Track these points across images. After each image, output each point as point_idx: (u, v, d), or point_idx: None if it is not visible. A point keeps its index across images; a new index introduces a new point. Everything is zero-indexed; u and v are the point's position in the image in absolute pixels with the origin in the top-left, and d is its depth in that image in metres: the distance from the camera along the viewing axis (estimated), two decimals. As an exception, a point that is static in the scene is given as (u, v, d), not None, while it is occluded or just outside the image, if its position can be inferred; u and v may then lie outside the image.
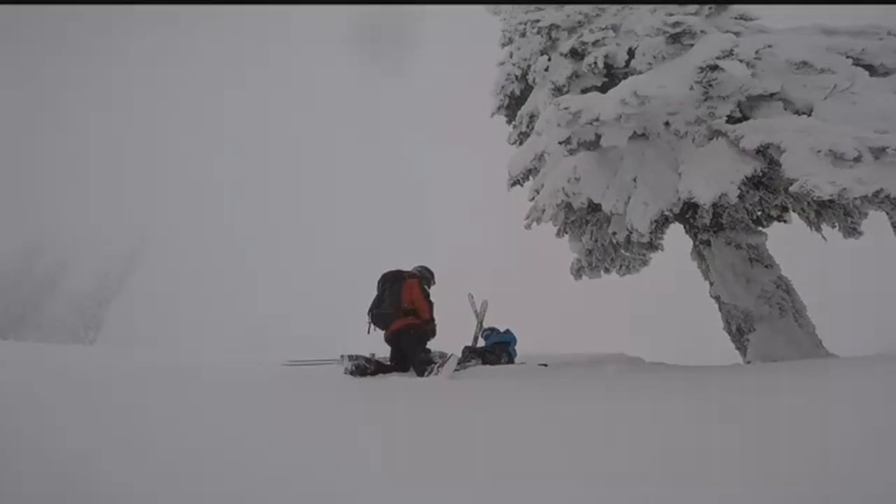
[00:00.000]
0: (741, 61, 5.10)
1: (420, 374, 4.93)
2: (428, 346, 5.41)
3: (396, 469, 1.95)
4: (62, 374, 4.27)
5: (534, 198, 7.24)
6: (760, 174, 5.17)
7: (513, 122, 8.62)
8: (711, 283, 7.02)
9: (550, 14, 7.51)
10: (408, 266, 6.08)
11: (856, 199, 4.08)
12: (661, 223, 6.91)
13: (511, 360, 6.49)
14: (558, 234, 8.35)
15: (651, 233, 5.72)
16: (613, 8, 7.37)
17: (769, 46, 5.28)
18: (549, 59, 7.46)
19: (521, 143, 8.31)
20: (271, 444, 2.30)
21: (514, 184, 7.54)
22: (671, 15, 6.00)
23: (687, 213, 6.68)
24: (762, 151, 5.01)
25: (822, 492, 1.56)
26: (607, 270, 8.33)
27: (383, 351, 5.69)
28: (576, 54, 7.07)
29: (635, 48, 6.47)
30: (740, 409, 2.64)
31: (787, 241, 7.93)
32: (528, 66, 7.96)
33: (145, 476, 1.79)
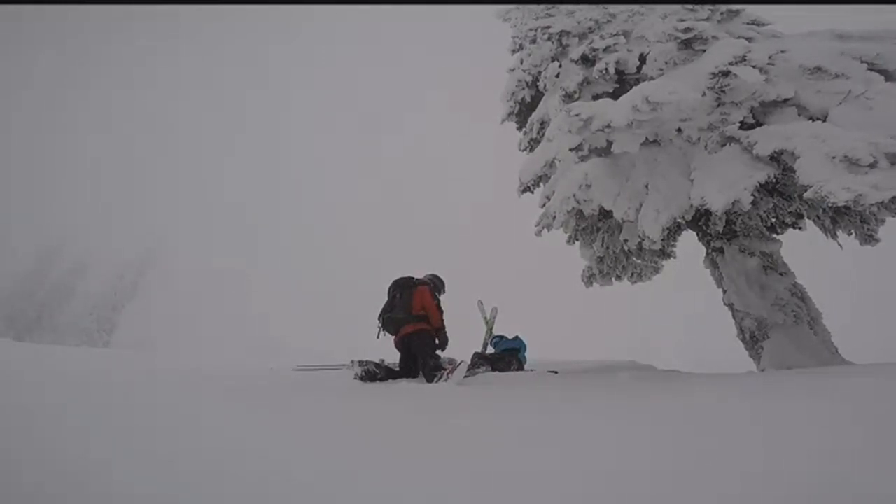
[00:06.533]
0: (754, 67, 5.06)
1: (429, 380, 4.93)
2: (437, 353, 5.41)
3: (401, 471, 1.95)
4: (71, 375, 4.32)
5: (545, 204, 7.22)
6: (774, 181, 5.12)
7: (523, 129, 8.61)
8: (725, 291, 6.94)
9: (561, 20, 7.51)
10: (418, 273, 6.09)
11: (872, 205, 4.03)
12: (674, 230, 6.86)
13: (521, 367, 6.45)
14: (569, 241, 8.32)
15: (663, 240, 5.68)
16: (624, 14, 7.35)
17: (782, 52, 5.24)
18: (560, 66, 7.45)
19: (531, 150, 8.29)
20: (274, 445, 2.31)
21: (524, 190, 7.53)
22: (682, 21, 5.97)
23: (700, 220, 6.62)
24: (776, 158, 4.96)
25: (822, 492, 1.54)
26: (619, 278, 8.26)
27: (393, 357, 5.70)
28: (587, 60, 7.07)
29: (646, 54, 6.44)
30: (746, 412, 2.61)
31: (802, 247, 7.84)
32: (539, 73, 7.96)
33: (148, 477, 1.80)
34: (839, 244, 6.35)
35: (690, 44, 5.87)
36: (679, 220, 5.52)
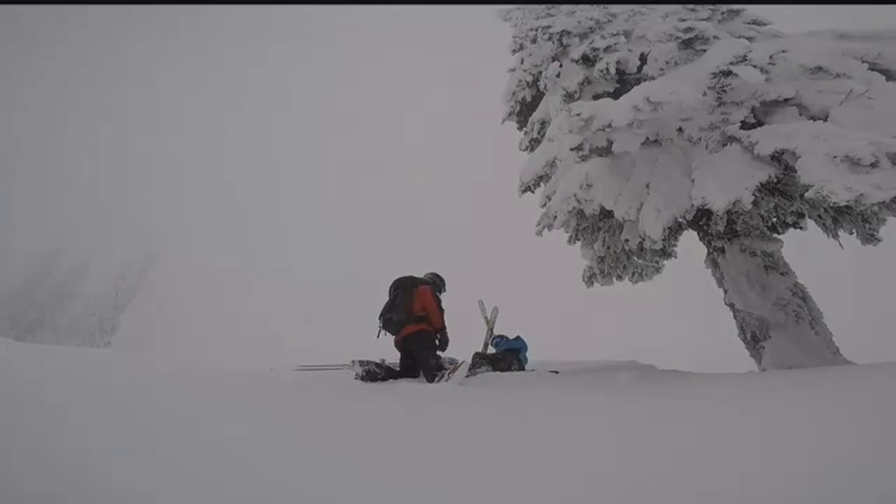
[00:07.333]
0: (755, 67, 5.05)
1: (430, 380, 4.93)
2: (438, 353, 5.40)
3: (401, 471, 1.95)
4: (71, 375, 4.31)
5: (545, 204, 7.21)
6: (775, 180, 5.11)
7: (524, 129, 8.60)
8: (726, 291, 6.93)
9: (561, 20, 7.50)
10: (419, 272, 6.10)
11: (873, 205, 4.01)
12: (675, 230, 6.83)
13: (522, 367, 6.44)
14: (570, 241, 8.31)
15: (664, 240, 5.67)
16: (625, 14, 7.34)
17: (783, 51, 5.23)
18: (561, 66, 7.44)
19: (532, 150, 8.29)
20: (274, 445, 2.31)
21: (525, 190, 7.52)
22: (683, 20, 5.97)
23: (700, 219, 6.61)
24: (777, 157, 4.95)
25: (822, 492, 1.54)
26: (619, 277, 8.25)
27: (394, 356, 5.70)
28: (587, 60, 7.05)
29: (647, 54, 6.44)
30: (746, 412, 2.60)
31: (803, 247, 7.83)
32: (540, 73, 7.95)
33: (148, 477, 1.81)
34: (840, 244, 6.34)
35: (691, 43, 5.87)
36: (680, 220, 5.51)
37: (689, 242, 7.46)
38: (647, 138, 5.67)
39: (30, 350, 6.21)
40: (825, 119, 4.99)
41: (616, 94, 6.53)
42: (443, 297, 6.01)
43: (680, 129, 5.71)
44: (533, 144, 8.30)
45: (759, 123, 5.49)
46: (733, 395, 3.33)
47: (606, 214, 6.73)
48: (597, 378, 5.08)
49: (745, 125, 5.48)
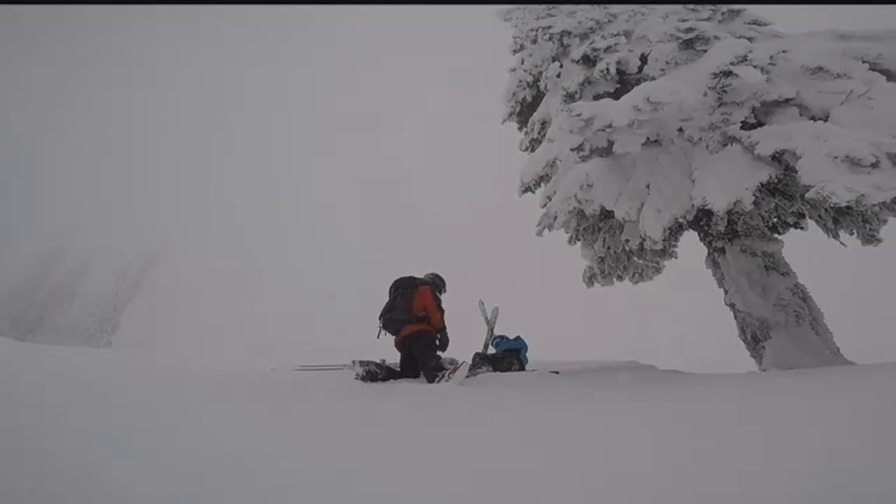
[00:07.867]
0: (755, 67, 5.06)
1: (430, 380, 4.93)
2: (438, 353, 5.40)
3: (401, 471, 1.95)
4: (71, 375, 4.31)
5: (546, 204, 7.21)
6: (776, 181, 5.11)
7: (524, 129, 8.61)
8: (726, 291, 6.93)
9: (562, 20, 7.50)
10: (419, 273, 6.11)
11: (874, 205, 4.01)
12: (675, 230, 6.84)
13: (522, 368, 6.44)
14: (570, 241, 8.31)
15: (664, 240, 5.67)
16: (625, 14, 7.35)
17: (784, 52, 5.23)
18: (561, 66, 7.45)
19: (532, 150, 8.30)
20: (275, 445, 2.31)
21: (525, 190, 7.52)
22: (684, 21, 5.98)
23: (701, 220, 6.61)
24: (777, 158, 4.95)
25: (822, 492, 1.54)
26: (620, 278, 8.25)
27: (394, 357, 5.70)
28: (588, 60, 7.05)
29: (648, 54, 6.44)
30: (746, 412, 2.60)
31: (804, 247, 7.83)
32: (540, 73, 7.96)
33: (148, 477, 1.81)
34: (842, 243, 6.34)
35: (692, 44, 5.87)
36: (680, 220, 5.52)
37: (690, 243, 7.46)
38: (648, 138, 5.67)
39: (30, 350, 6.20)
40: (826, 119, 4.99)
41: (616, 95, 6.53)
42: (443, 297, 6.01)
43: (680, 130, 5.71)
44: (533, 145, 8.31)
45: (760, 124, 5.49)
46: (733, 396, 3.33)
47: (607, 215, 6.73)
48: (597, 378, 5.08)
49: (745, 125, 5.48)
